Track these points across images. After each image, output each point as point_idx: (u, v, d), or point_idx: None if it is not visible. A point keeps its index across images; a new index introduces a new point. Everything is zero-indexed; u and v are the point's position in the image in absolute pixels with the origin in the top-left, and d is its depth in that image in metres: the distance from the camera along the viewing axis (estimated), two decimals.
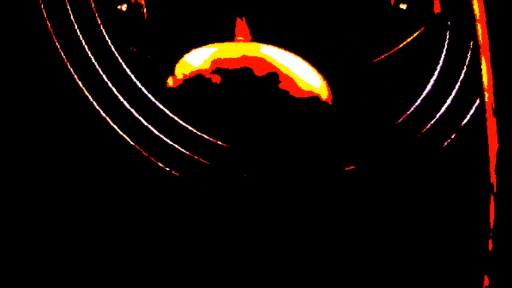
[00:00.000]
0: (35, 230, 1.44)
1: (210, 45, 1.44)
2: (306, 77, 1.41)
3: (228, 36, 1.52)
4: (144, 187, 1.44)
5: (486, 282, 1.07)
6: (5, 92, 1.46)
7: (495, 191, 1.05)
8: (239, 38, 1.51)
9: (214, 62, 1.39)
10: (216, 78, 1.39)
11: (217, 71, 1.39)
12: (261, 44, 1.43)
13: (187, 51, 1.45)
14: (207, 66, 1.39)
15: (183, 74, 1.41)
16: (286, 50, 1.43)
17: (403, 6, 1.56)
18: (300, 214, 1.44)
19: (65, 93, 1.43)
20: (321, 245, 1.44)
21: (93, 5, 1.47)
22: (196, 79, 1.40)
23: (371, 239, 1.44)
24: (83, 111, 1.42)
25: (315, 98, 1.40)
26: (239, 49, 1.41)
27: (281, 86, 1.38)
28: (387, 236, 1.45)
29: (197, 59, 1.41)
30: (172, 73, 1.44)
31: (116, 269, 1.43)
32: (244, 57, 1.39)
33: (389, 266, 1.43)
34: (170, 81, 1.42)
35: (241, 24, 1.52)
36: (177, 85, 1.42)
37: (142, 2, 1.56)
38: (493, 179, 1.04)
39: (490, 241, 1.05)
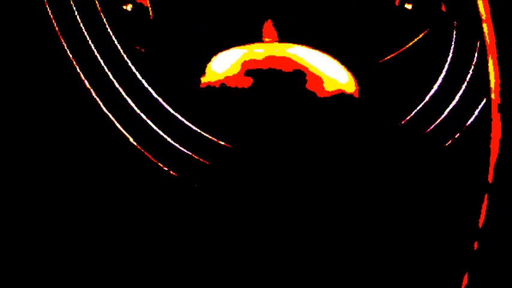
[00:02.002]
0: (31, 226, 1.43)
1: (238, 47, 1.44)
2: (333, 73, 1.41)
3: (227, 36, 1.52)
4: (141, 186, 1.44)
5: (465, 281, 1.07)
6: (13, 90, 1.46)
7: (491, 190, 1.04)
8: (267, 39, 1.51)
9: (244, 64, 1.39)
10: (248, 81, 1.38)
11: (248, 73, 1.38)
12: (288, 44, 1.44)
13: (210, 53, 1.46)
14: (238, 68, 1.39)
15: (214, 77, 1.41)
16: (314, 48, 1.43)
17: (409, 6, 1.56)
18: (301, 212, 1.43)
19: (70, 92, 1.43)
20: (321, 243, 1.43)
21: (98, 5, 1.46)
22: (228, 82, 1.40)
23: (362, 235, 1.44)
24: (86, 108, 1.41)
25: (342, 95, 1.40)
26: (267, 49, 1.41)
27: (308, 85, 1.38)
28: (379, 233, 1.44)
29: (227, 62, 1.41)
30: (203, 74, 1.44)
31: (110, 269, 1.43)
32: (272, 57, 1.39)
33: (378, 262, 1.43)
34: (205, 80, 1.42)
35: (268, 26, 1.52)
36: (210, 87, 1.42)
37: (148, 2, 1.56)
38: (491, 178, 1.04)
39: (476, 241, 1.05)
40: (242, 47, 1.45)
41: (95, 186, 1.44)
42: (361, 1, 1.56)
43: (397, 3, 1.56)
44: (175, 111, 1.41)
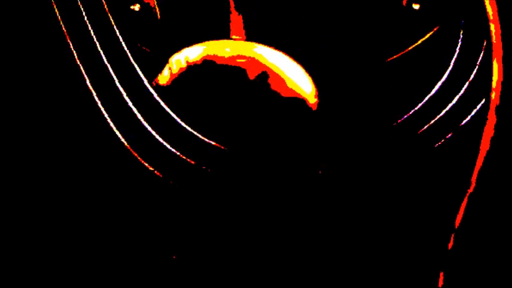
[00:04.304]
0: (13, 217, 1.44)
1: (203, 42, 1.44)
2: (296, 79, 1.40)
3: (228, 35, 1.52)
4: (126, 185, 1.43)
5: (441, 282, 1.06)
6: (16, 87, 1.47)
7: (471, 190, 1.04)
8: (234, 36, 1.51)
9: (204, 58, 1.39)
10: (206, 75, 1.39)
11: (207, 67, 1.39)
12: (254, 43, 1.43)
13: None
14: (198, 62, 1.39)
15: (176, 69, 1.42)
16: (279, 50, 1.43)
17: (416, 7, 1.55)
18: (290, 213, 1.42)
19: (68, 86, 1.44)
20: (308, 243, 1.42)
21: (105, 5, 1.48)
22: (186, 75, 1.40)
23: (347, 233, 1.43)
24: (81, 102, 1.42)
25: (302, 101, 1.39)
26: (231, 47, 1.41)
27: (271, 86, 1.38)
28: (361, 231, 1.43)
29: (188, 56, 1.41)
30: (162, 70, 1.44)
31: (92, 268, 1.42)
32: (236, 56, 1.39)
33: (356, 261, 1.42)
34: (161, 79, 1.42)
35: (236, 22, 1.52)
36: (169, 81, 1.42)
37: (155, 2, 1.57)
38: (474, 178, 1.03)
39: (451, 241, 1.04)
40: (205, 42, 1.44)
41: (78, 181, 1.45)
42: (368, 1, 1.56)
43: (404, 3, 1.56)
44: (172, 111, 1.41)
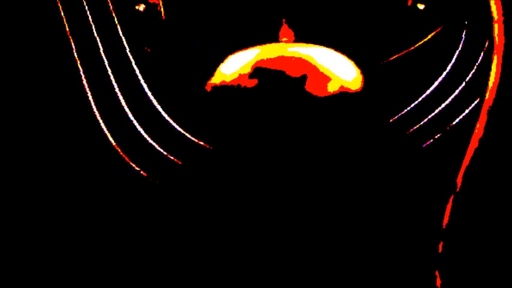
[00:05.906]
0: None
1: (252, 47, 1.43)
2: (340, 72, 1.39)
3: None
4: (112, 185, 1.43)
5: (438, 283, 1.06)
6: (15, 86, 1.49)
7: (457, 190, 1.03)
8: (284, 39, 1.50)
9: (255, 64, 1.38)
10: (253, 82, 1.38)
11: (255, 74, 1.38)
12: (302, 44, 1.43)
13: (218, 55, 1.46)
14: (248, 70, 1.39)
15: (221, 78, 1.41)
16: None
17: (421, 7, 1.54)
18: (279, 212, 1.42)
19: (67, 87, 1.45)
20: (296, 244, 1.41)
21: (110, 5, 1.49)
22: (234, 84, 1.39)
23: (338, 234, 1.41)
24: (73, 99, 1.42)
25: (344, 94, 1.38)
26: (280, 50, 1.40)
27: (308, 86, 1.37)
28: (354, 232, 1.42)
29: (237, 63, 1.41)
30: (211, 76, 1.44)
31: (75, 270, 1.43)
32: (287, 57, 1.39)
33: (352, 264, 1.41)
34: (210, 85, 1.42)
35: (285, 27, 1.52)
36: (215, 89, 1.41)
37: (160, 2, 1.58)
38: (460, 179, 1.03)
39: (441, 243, 1.04)
40: (256, 47, 1.44)
41: (63, 178, 1.45)
42: (373, 1, 1.55)
43: (409, 3, 1.55)
44: (165, 111, 1.42)
